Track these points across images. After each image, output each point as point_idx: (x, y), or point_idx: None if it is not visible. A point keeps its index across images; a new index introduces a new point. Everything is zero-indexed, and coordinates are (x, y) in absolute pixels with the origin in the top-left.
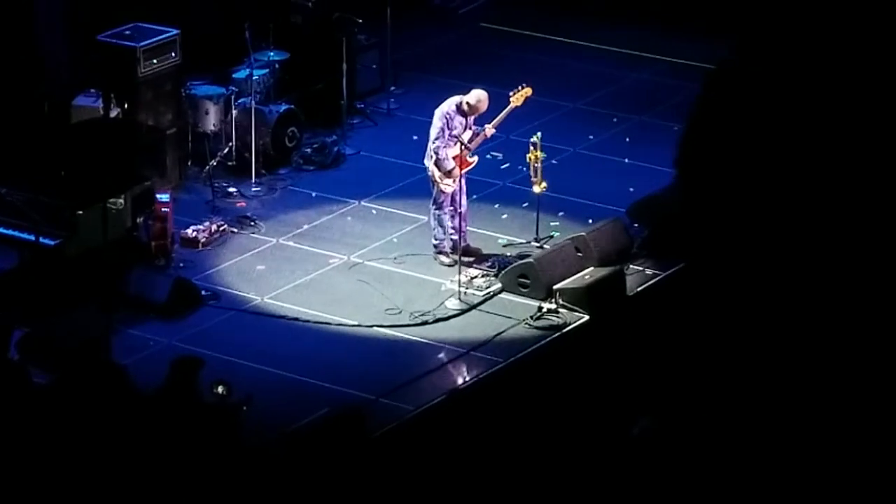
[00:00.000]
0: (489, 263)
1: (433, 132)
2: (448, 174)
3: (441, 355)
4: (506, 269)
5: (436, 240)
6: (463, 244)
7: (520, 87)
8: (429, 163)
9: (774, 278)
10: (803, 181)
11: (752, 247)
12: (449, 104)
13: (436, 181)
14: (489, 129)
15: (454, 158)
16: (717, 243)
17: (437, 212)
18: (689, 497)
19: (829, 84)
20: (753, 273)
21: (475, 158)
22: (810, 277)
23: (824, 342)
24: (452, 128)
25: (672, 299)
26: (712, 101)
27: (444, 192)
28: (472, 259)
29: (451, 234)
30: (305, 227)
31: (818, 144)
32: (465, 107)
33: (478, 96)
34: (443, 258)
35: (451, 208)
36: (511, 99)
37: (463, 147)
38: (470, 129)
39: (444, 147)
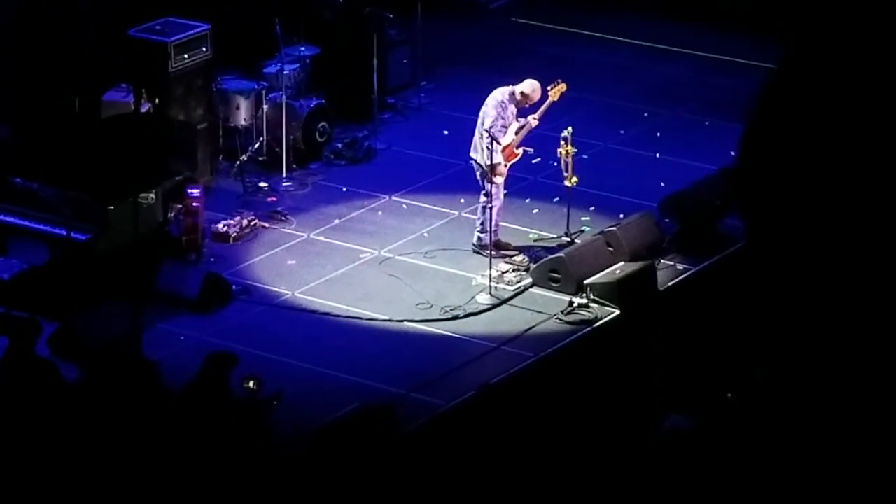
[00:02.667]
0: (521, 258)
1: (487, 122)
2: (494, 170)
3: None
4: (537, 264)
5: (483, 232)
6: (495, 238)
7: (556, 83)
8: (476, 154)
9: (831, 280)
10: (875, 183)
11: (816, 247)
12: (502, 93)
13: (487, 172)
14: (533, 120)
15: (503, 150)
16: (777, 241)
17: (490, 204)
18: (718, 496)
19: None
20: (814, 273)
21: (521, 150)
22: (867, 282)
23: (866, 347)
24: (506, 117)
25: (703, 294)
26: (779, 98)
27: (496, 185)
28: (507, 253)
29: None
30: (336, 221)
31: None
32: (518, 96)
33: (532, 86)
34: (514, 257)
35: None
36: (548, 93)
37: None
38: (517, 120)
39: (493, 137)
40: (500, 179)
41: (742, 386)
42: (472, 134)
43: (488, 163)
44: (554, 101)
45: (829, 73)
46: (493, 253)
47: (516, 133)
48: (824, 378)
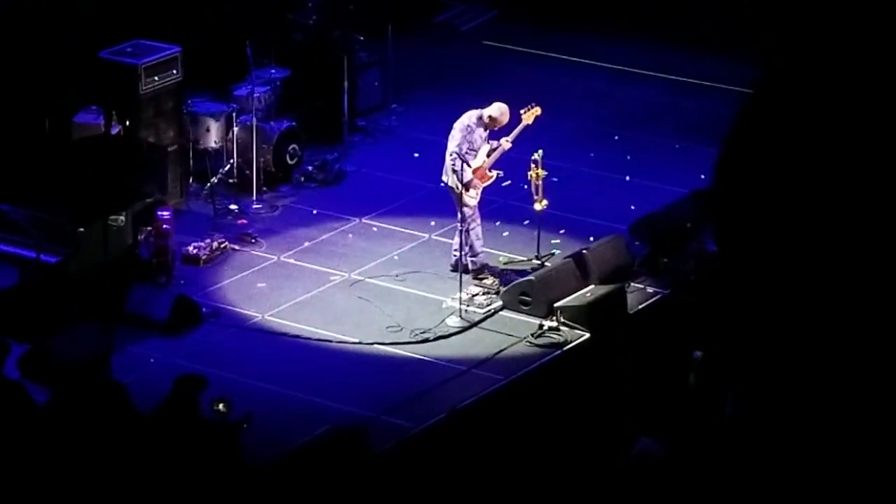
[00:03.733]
0: (491, 280)
1: (451, 145)
2: (466, 187)
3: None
4: (507, 287)
5: (474, 256)
6: (480, 261)
7: (530, 106)
8: (447, 178)
9: (808, 300)
10: (851, 205)
11: (792, 267)
12: (469, 117)
13: (459, 194)
14: (506, 143)
15: (474, 172)
16: (753, 264)
17: (468, 228)
18: None
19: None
20: (791, 291)
21: (495, 172)
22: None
23: (840, 367)
24: (472, 140)
25: (673, 317)
26: (755, 120)
27: (469, 206)
28: (484, 277)
29: (483, 248)
30: (306, 244)
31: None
32: (486, 119)
33: (500, 109)
34: (486, 279)
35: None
36: (522, 116)
37: (485, 158)
38: (487, 143)
39: (463, 159)
40: (472, 202)
41: (712, 410)
42: (443, 156)
43: (458, 185)
44: (528, 125)
45: (805, 96)
46: (466, 276)
47: (488, 155)
48: (797, 399)
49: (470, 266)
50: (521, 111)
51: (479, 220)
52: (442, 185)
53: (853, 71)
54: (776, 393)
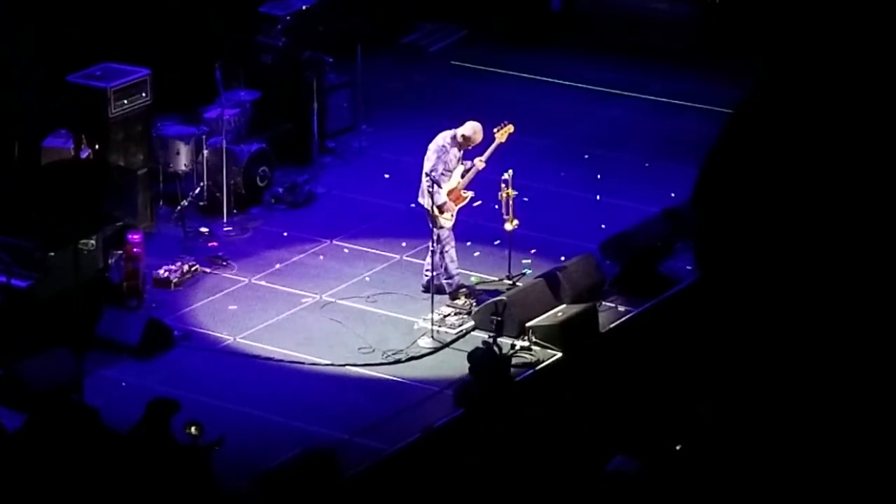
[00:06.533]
0: (463, 301)
1: (427, 166)
2: (441, 209)
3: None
4: (479, 307)
5: (449, 278)
6: (457, 282)
7: (503, 124)
8: (423, 200)
9: (789, 318)
10: (836, 223)
11: (773, 285)
12: (444, 137)
13: (434, 216)
14: (480, 163)
15: (449, 194)
16: (735, 277)
17: (442, 250)
18: None
19: (862, 117)
20: (773, 311)
21: (470, 193)
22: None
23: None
24: (447, 161)
25: (645, 335)
26: (740, 139)
27: (444, 228)
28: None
29: (458, 269)
30: (277, 266)
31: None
32: (460, 139)
33: (473, 128)
34: (459, 300)
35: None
36: (495, 135)
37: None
38: (461, 163)
39: (440, 180)
40: (447, 223)
41: (686, 426)
42: (413, 177)
43: (432, 206)
44: (501, 143)
45: (789, 116)
46: (437, 296)
47: (462, 176)
48: (775, 416)
49: (446, 288)
50: (495, 129)
51: (453, 242)
52: (414, 206)
53: (839, 88)
54: (758, 408)
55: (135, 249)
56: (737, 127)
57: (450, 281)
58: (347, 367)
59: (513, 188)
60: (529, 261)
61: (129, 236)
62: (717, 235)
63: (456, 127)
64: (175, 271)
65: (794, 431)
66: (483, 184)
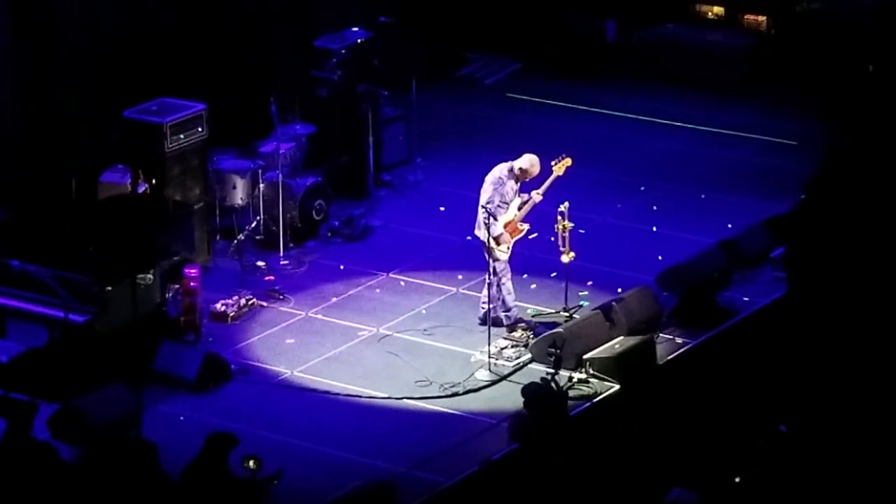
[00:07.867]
0: (520, 333)
1: (484, 198)
2: (497, 241)
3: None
4: (536, 340)
5: (507, 310)
6: (516, 315)
7: (561, 157)
8: (480, 232)
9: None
10: None
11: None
12: (500, 170)
13: (491, 248)
14: (537, 195)
15: (505, 226)
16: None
17: (499, 282)
18: None
19: None
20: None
21: (526, 225)
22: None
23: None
24: (504, 193)
25: (703, 367)
26: (835, 176)
27: (500, 261)
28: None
29: (515, 301)
30: (334, 299)
31: None
32: (517, 172)
33: (530, 161)
34: (516, 332)
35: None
36: (553, 168)
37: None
38: (518, 196)
39: (496, 213)
40: (503, 256)
41: (744, 458)
42: (469, 210)
43: (488, 238)
44: (559, 176)
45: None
46: (494, 329)
47: (519, 209)
48: (851, 441)
49: (504, 321)
50: (552, 162)
51: (510, 274)
52: (470, 238)
53: None
54: (834, 434)
55: (192, 284)
56: (835, 162)
57: (507, 313)
58: (404, 400)
59: (569, 220)
60: (586, 293)
61: (186, 271)
62: (811, 257)
63: (513, 159)
64: (232, 305)
65: (868, 456)
66: (539, 216)
